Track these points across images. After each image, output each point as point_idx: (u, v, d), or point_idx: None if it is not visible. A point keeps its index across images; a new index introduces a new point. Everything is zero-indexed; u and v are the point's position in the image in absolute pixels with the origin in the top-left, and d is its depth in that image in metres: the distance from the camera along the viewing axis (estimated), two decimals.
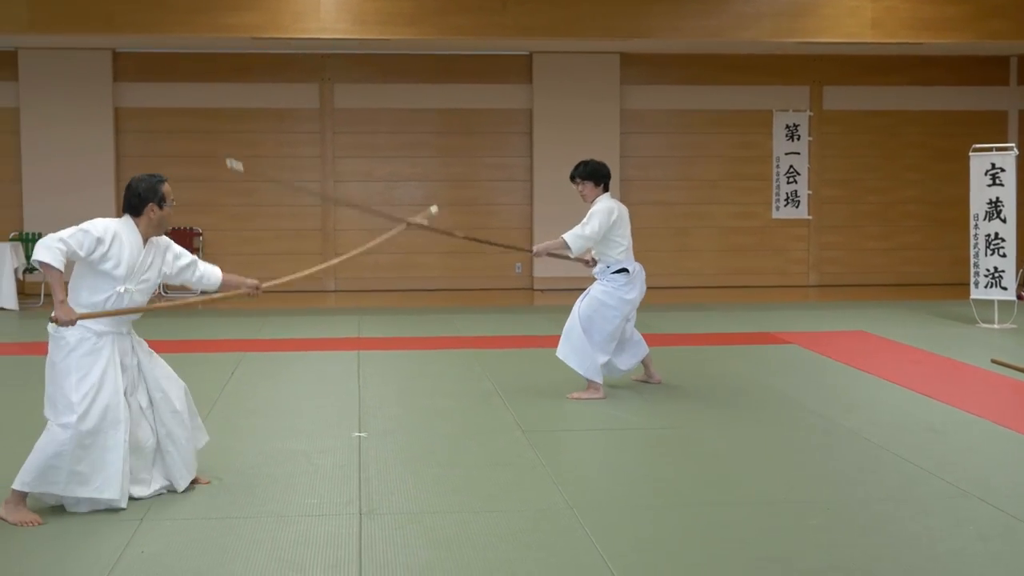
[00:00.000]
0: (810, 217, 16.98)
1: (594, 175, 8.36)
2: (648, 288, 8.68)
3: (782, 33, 14.80)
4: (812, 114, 16.87)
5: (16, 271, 14.08)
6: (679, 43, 15.47)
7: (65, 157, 15.54)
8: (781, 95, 16.83)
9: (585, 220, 8.17)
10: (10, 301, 13.88)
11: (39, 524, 5.29)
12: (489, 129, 16.45)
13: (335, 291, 16.18)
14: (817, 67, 16.81)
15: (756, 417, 7.87)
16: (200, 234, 15.95)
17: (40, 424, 5.49)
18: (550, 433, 7.26)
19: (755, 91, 16.73)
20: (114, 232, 5.51)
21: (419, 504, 5.69)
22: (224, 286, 6.15)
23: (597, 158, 8.62)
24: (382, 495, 5.83)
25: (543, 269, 16.13)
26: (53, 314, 5.31)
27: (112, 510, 5.46)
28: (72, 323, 5.35)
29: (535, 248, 8.34)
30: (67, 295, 5.42)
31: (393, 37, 14.46)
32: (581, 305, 8.33)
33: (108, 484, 5.41)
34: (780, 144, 16.86)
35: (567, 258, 8.45)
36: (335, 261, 7.54)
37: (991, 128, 16.86)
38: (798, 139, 16.86)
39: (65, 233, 5.41)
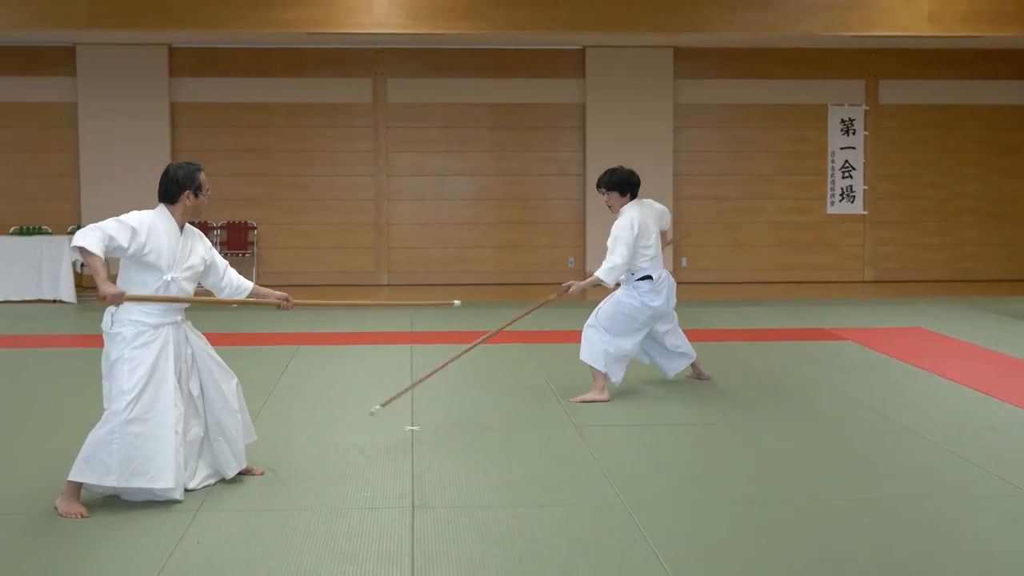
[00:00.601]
0: (865, 212, 16.82)
1: (620, 185, 8.18)
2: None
3: (837, 27, 14.67)
4: (868, 108, 16.71)
5: (74, 264, 14.25)
6: (733, 37, 15.38)
7: (122, 151, 15.70)
8: (836, 89, 16.69)
9: (610, 247, 7.96)
10: (68, 294, 14.05)
11: (84, 516, 5.34)
12: (541, 124, 16.43)
13: (388, 285, 16.24)
14: (873, 61, 16.65)
15: (810, 414, 7.81)
16: (255, 228, 16.06)
17: (98, 414, 5.55)
18: (603, 428, 7.24)
19: (810, 85, 16.60)
20: (149, 223, 5.57)
21: (471, 498, 5.70)
22: (254, 295, 6.17)
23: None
24: (434, 489, 5.84)
25: (596, 263, 16.05)
26: (100, 293, 5.32)
27: (168, 501, 5.52)
28: (120, 299, 5.39)
29: (569, 287, 8.00)
30: (108, 275, 5.40)
31: (446, 32, 14.48)
32: (603, 307, 8.17)
33: (161, 474, 5.45)
34: (835, 139, 16.71)
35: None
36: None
37: None
38: (854, 134, 16.71)
39: (102, 223, 5.46)
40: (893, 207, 16.90)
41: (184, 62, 15.97)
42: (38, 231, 15.20)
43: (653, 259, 8.11)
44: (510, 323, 8.09)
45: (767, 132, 16.64)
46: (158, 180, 5.71)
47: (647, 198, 8.37)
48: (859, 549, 4.92)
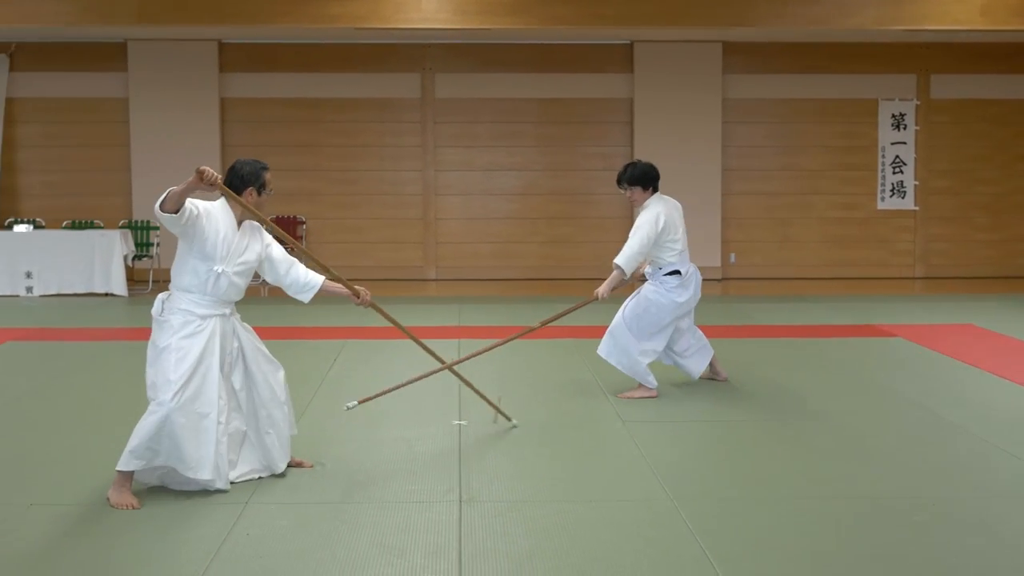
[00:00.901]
0: (916, 208, 16.66)
1: (641, 179, 8.05)
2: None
3: (888, 20, 14.53)
4: (919, 103, 16.55)
5: (126, 258, 14.39)
6: (782, 31, 15.28)
7: (172, 146, 15.84)
8: (887, 84, 16.53)
9: (631, 234, 7.89)
10: (120, 287, 14.18)
11: (135, 508, 5.39)
12: (589, 119, 16.41)
13: (436, 280, 16.28)
14: (924, 55, 16.48)
15: (860, 411, 7.74)
16: (303, 222, 16.15)
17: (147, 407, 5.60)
18: (650, 424, 7.22)
19: (860, 80, 16.46)
20: (207, 209, 5.61)
21: (519, 493, 5.70)
22: (324, 291, 6.08)
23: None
24: (482, 483, 5.85)
25: None
26: (197, 172, 5.23)
27: (217, 492, 5.56)
28: (216, 181, 5.29)
29: (599, 293, 7.90)
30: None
31: (494, 27, 14.48)
32: (629, 304, 8.11)
33: (202, 464, 5.50)
34: (886, 133, 16.56)
35: (626, 282, 8.11)
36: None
37: None
38: (904, 128, 16.55)
39: None
40: (945, 203, 16.73)
41: (234, 57, 16.08)
42: (90, 225, 15.38)
43: (681, 253, 8.03)
44: (527, 331, 8.04)
45: (817, 127, 16.52)
46: None
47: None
48: (909, 548, 4.87)
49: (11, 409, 7.68)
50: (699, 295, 8.13)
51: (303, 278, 6.00)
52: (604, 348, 8.15)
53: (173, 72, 15.84)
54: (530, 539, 4.97)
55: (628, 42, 16.16)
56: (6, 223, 15.53)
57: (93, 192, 16.13)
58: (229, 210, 5.71)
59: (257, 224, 5.89)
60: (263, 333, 6.12)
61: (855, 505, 5.47)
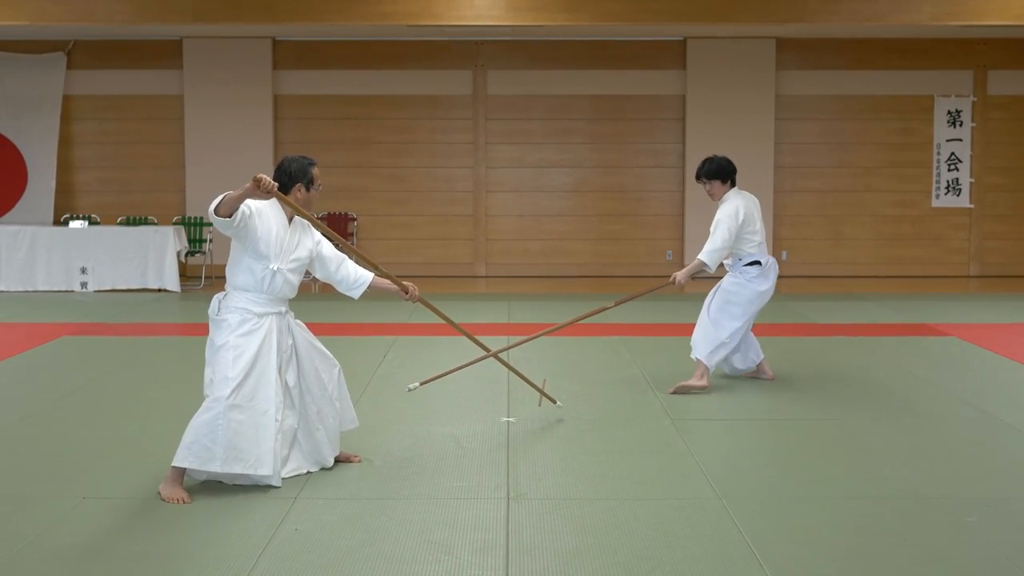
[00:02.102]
0: (972, 206, 16.47)
1: (719, 173, 8.19)
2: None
3: (944, 16, 14.35)
4: (976, 99, 16.35)
5: (179, 254, 14.54)
6: (836, 27, 15.15)
7: (226, 143, 15.99)
8: (943, 80, 16.35)
9: (712, 231, 8.00)
10: (173, 283, 14.32)
11: (186, 502, 5.44)
12: (641, 115, 16.36)
13: (485, 276, 16.30)
14: (981, 51, 16.28)
15: (912, 410, 7.67)
16: (355, 219, 16.23)
17: (200, 402, 5.65)
18: (699, 422, 7.19)
19: (915, 76, 16.29)
20: (258, 208, 5.65)
21: (566, 490, 5.70)
22: (374, 288, 6.15)
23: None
24: (530, 480, 5.86)
25: (693, 256, 15.97)
26: (254, 180, 5.19)
27: (267, 488, 5.61)
28: (272, 189, 5.27)
29: (676, 278, 8.05)
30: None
31: (546, 23, 14.47)
32: (714, 297, 8.22)
33: (262, 461, 5.56)
34: (941, 130, 16.38)
35: (708, 275, 8.27)
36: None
37: None
38: (960, 125, 16.36)
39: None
40: (1001, 200, 16.52)
41: (287, 55, 16.19)
42: (144, 221, 15.56)
43: (760, 245, 8.16)
44: (601, 310, 8.14)
45: (871, 124, 16.37)
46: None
47: (744, 191, 8.31)
48: (962, 548, 4.82)
49: (65, 403, 7.78)
50: (774, 287, 8.27)
51: (353, 275, 6.07)
52: (694, 340, 8.22)
53: (227, 69, 15.98)
54: (577, 537, 4.97)
55: (681, 38, 16.10)
56: (62, 219, 15.75)
57: (147, 189, 16.31)
58: (279, 208, 5.76)
59: (306, 223, 5.93)
60: (314, 329, 6.15)
61: (906, 505, 5.42)
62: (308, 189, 5.84)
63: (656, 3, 14.33)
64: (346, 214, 16.21)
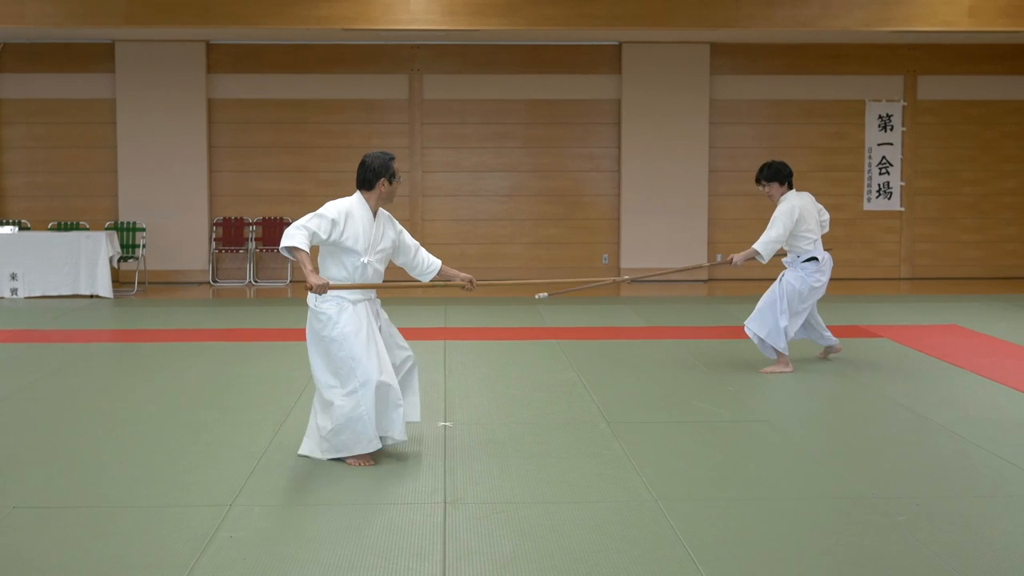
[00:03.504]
0: (903, 209, 16.71)
1: (777, 176, 9.04)
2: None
3: (875, 22, 14.56)
4: (906, 104, 16.59)
5: (112, 260, 14.36)
6: (770, 33, 15.30)
7: (159, 147, 15.83)
8: (874, 85, 16.58)
9: (769, 226, 8.82)
10: (105, 289, 14.15)
11: (373, 464, 6.12)
12: (577, 120, 16.42)
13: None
14: (912, 56, 16.53)
15: (844, 411, 7.77)
16: (290, 223, 16.11)
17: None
18: (635, 425, 7.23)
19: (847, 81, 16.51)
20: (346, 211, 6.17)
21: (503, 494, 5.71)
22: (441, 275, 6.75)
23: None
24: (467, 485, 5.86)
25: (629, 260, 16.09)
26: (308, 283, 5.96)
27: (202, 494, 5.56)
28: (325, 289, 6.00)
29: (734, 259, 8.90)
30: (315, 267, 6.09)
31: (482, 28, 14.48)
32: (776, 288, 8.99)
33: (396, 424, 6.16)
34: (873, 135, 16.61)
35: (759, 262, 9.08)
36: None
37: None
38: (891, 129, 16.59)
39: (304, 220, 6.10)
40: (931, 204, 16.78)
41: (221, 59, 16.07)
42: (76, 227, 15.35)
43: (816, 242, 9.02)
44: (659, 276, 8.88)
45: (804, 128, 16.56)
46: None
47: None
48: (893, 548, 4.89)
49: None
50: (828, 280, 9.17)
51: (426, 261, 6.70)
52: (755, 323, 9.04)
53: (160, 73, 15.82)
54: (514, 541, 4.98)
55: (616, 43, 16.18)
56: None
57: (79, 194, 16.10)
58: (365, 203, 6.28)
59: (388, 213, 6.47)
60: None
61: (839, 505, 5.49)
62: (391, 182, 6.36)
63: (591, 8, 14.40)
64: (281, 219, 16.10)
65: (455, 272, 6.78)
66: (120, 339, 11.20)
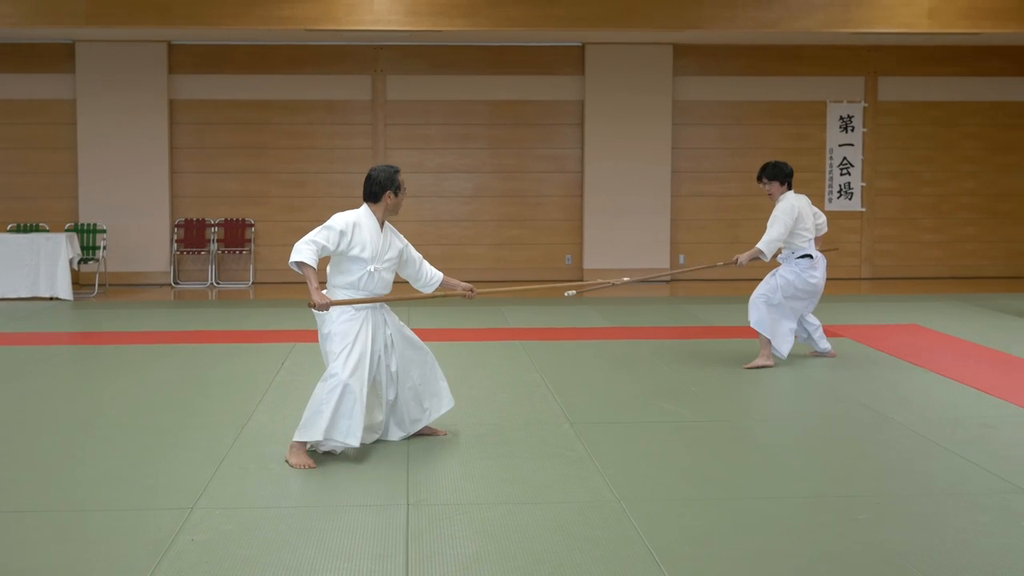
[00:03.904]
0: (863, 209, 16.83)
1: (778, 175, 9.24)
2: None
3: (836, 23, 14.67)
4: (867, 105, 16.72)
5: (71, 261, 14.25)
6: (732, 34, 15.38)
7: (120, 149, 15.74)
8: (835, 86, 16.70)
9: (770, 224, 9.05)
10: (65, 291, 14.05)
11: (312, 467, 6.15)
12: (540, 121, 16.45)
13: None
14: (872, 58, 16.66)
15: (806, 410, 7.82)
16: (252, 225, 16.07)
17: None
18: (598, 425, 7.24)
19: (809, 82, 16.62)
20: (354, 223, 6.36)
21: (466, 495, 5.70)
22: (442, 287, 6.89)
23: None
24: (429, 486, 5.85)
25: (592, 261, 16.12)
26: (310, 301, 6.24)
27: (165, 497, 5.53)
28: (327, 307, 6.27)
29: (739, 259, 9.10)
30: (319, 284, 6.28)
31: (445, 28, 14.48)
32: (768, 282, 9.23)
33: (351, 432, 6.19)
34: (834, 135, 16.72)
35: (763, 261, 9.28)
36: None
37: None
38: (852, 130, 16.71)
39: (313, 234, 6.29)
40: (891, 204, 16.92)
41: (183, 59, 15.99)
42: (35, 228, 15.23)
43: (810, 241, 9.22)
44: (668, 274, 9.07)
45: (766, 129, 16.65)
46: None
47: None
48: (853, 546, 4.92)
49: None
50: (825, 277, 9.36)
51: (429, 273, 6.84)
52: (753, 318, 9.26)
53: (121, 74, 15.73)
54: (477, 542, 4.98)
55: (579, 44, 16.22)
56: None
57: (39, 195, 15.98)
58: (372, 215, 6.46)
59: (393, 227, 6.62)
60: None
61: (801, 504, 5.52)
62: (397, 194, 6.52)
63: (555, 9, 14.42)
64: (243, 220, 16.04)
65: (456, 282, 6.92)
66: (80, 341, 11.12)
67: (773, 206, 9.27)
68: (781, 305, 9.21)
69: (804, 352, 9.74)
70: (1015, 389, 8.33)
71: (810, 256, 9.21)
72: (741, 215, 16.58)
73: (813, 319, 9.59)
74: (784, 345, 9.23)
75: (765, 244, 9.05)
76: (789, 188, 9.29)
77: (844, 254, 16.82)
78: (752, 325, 9.28)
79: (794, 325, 9.32)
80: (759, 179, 9.38)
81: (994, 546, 4.92)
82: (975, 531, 5.12)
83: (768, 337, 9.20)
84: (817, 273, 9.24)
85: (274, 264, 16.02)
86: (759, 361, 9.20)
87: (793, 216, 9.05)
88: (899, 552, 4.84)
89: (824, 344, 9.63)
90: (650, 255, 16.13)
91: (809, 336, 9.62)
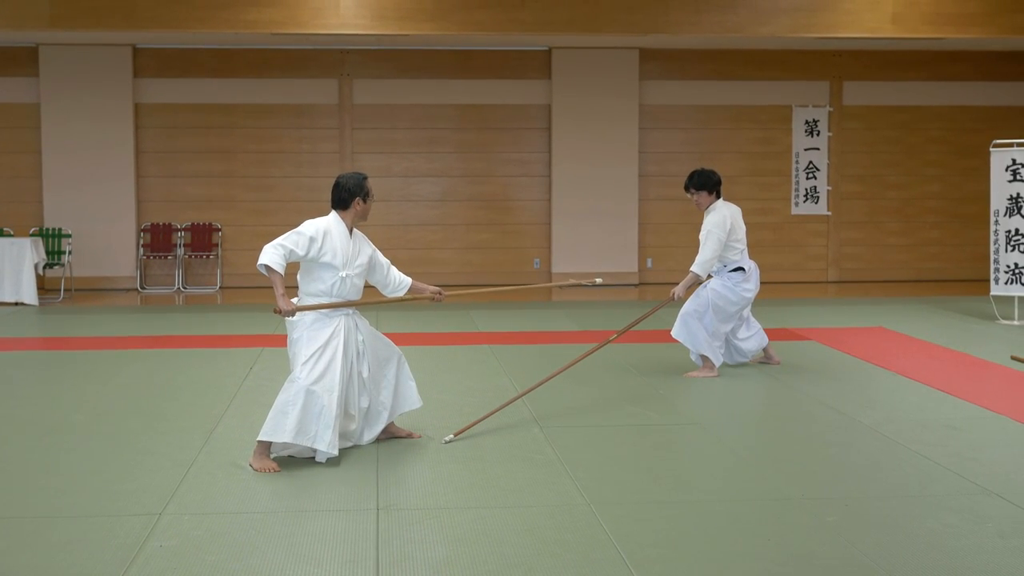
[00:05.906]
0: (829, 213, 16.93)
1: (706, 184, 8.93)
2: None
3: (801, 28, 14.76)
4: (832, 109, 16.82)
5: (36, 266, 14.14)
6: (698, 39, 15.43)
7: (85, 153, 15.63)
8: (801, 90, 16.79)
9: (702, 241, 8.76)
10: (30, 296, 13.94)
11: (276, 471, 6.15)
12: (507, 125, 16.45)
13: None
14: (837, 62, 16.76)
15: (774, 413, 7.85)
16: (219, 229, 16.00)
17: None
18: (568, 428, 7.25)
19: (775, 86, 16.70)
20: (324, 229, 6.40)
21: (436, 500, 5.70)
22: (412, 291, 6.93)
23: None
24: (399, 491, 5.84)
25: (561, 264, 16.13)
26: (276, 307, 6.23)
27: (134, 502, 5.50)
28: (292, 314, 6.29)
29: (675, 293, 8.74)
30: (285, 290, 6.27)
31: (412, 32, 14.46)
32: (700, 296, 8.96)
33: (320, 436, 6.20)
34: (800, 140, 16.82)
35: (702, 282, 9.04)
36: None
37: (1013, 123, 16.80)
38: (818, 135, 16.81)
39: (282, 238, 6.30)
40: (857, 208, 17.02)
41: (148, 63, 15.90)
42: (0, 233, 15.09)
43: (742, 252, 8.96)
44: (610, 340, 8.44)
45: (732, 133, 16.73)
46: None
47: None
48: (821, 548, 4.95)
49: None
50: (759, 286, 9.12)
51: (397, 279, 6.88)
52: (678, 331, 9.02)
53: (86, 78, 15.63)
54: (447, 546, 4.97)
55: (546, 48, 16.24)
56: None
57: (2, 200, 15.84)
58: (341, 221, 6.48)
59: (362, 233, 6.67)
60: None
61: (769, 507, 5.55)
62: (365, 201, 6.55)
63: (521, 13, 14.44)
64: (210, 224, 15.96)
65: (424, 286, 6.95)
66: (46, 347, 11.04)
67: (703, 217, 8.98)
68: (711, 320, 8.92)
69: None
70: (979, 391, 8.40)
71: (743, 268, 8.97)
72: None
73: (753, 322, 9.37)
74: (716, 357, 8.96)
75: (699, 266, 8.76)
76: (718, 197, 8.98)
77: (810, 257, 16.93)
78: (674, 336, 9.04)
79: (721, 332, 9.02)
80: (686, 188, 9.03)
81: (961, 547, 4.96)
82: (943, 532, 5.16)
83: (692, 348, 8.98)
84: (750, 285, 9.01)
85: (241, 268, 15.95)
86: (702, 373, 8.98)
87: (726, 229, 8.76)
88: (867, 554, 4.87)
89: (754, 344, 9.32)
90: (618, 259, 16.17)
91: (736, 344, 9.30)
